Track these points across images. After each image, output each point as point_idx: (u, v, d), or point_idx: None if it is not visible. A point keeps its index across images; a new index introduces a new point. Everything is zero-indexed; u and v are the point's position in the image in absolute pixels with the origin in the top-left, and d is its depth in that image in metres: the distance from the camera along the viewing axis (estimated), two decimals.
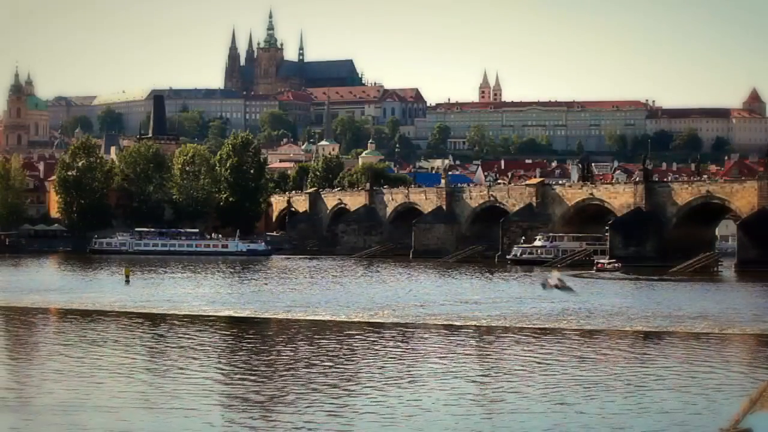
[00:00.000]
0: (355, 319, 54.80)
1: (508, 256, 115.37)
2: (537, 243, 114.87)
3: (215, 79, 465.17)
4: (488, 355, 42.89)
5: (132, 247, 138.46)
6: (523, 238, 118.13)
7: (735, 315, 56.31)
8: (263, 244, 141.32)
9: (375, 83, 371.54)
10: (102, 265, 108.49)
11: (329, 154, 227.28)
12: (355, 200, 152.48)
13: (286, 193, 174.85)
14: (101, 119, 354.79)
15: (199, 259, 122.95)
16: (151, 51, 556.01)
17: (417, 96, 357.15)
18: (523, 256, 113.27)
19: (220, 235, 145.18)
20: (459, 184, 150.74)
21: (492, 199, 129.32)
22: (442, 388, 33.87)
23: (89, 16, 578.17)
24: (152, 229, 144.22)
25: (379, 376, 36.44)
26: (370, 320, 54.54)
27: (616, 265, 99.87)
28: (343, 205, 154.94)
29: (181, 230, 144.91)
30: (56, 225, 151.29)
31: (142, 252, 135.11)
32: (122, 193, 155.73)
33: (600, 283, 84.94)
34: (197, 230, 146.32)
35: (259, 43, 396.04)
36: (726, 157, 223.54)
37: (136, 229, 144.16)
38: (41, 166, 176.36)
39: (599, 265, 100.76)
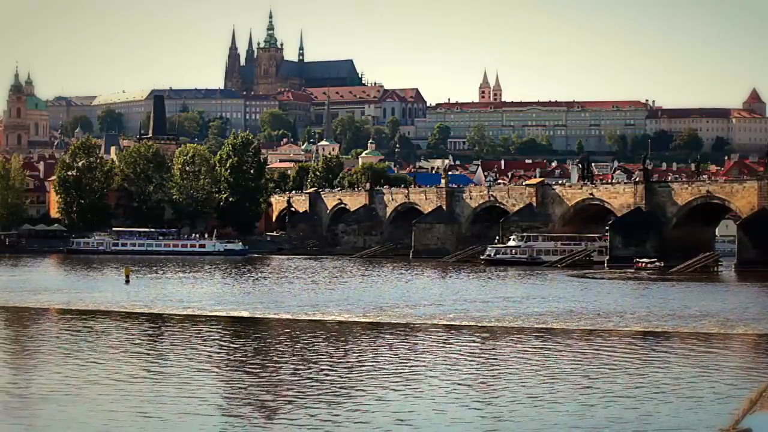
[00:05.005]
0: (355, 320, 54.84)
1: (481, 257, 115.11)
2: (511, 243, 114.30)
3: (215, 79, 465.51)
4: (489, 355, 42.86)
5: (109, 247, 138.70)
6: (497, 238, 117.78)
7: (735, 315, 56.36)
8: (240, 243, 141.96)
9: (375, 83, 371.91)
10: (100, 265, 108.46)
11: (329, 154, 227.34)
12: (355, 200, 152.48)
13: (286, 193, 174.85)
14: (101, 119, 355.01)
15: (177, 259, 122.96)
16: (151, 51, 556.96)
17: (417, 96, 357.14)
18: (497, 256, 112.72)
19: (195, 235, 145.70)
20: (459, 185, 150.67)
21: (492, 199, 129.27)
22: (443, 387, 33.86)
23: (89, 16, 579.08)
24: (129, 229, 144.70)
25: (380, 376, 36.43)
26: (370, 320, 54.59)
27: (657, 264, 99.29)
28: (343, 205, 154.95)
29: (159, 230, 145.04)
30: (56, 225, 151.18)
31: (120, 252, 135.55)
32: (122, 193, 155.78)
33: (600, 284, 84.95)
34: (174, 230, 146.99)
35: (259, 43, 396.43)
36: (726, 157, 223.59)
37: (114, 228, 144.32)
38: (41, 166, 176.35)
39: (638, 264, 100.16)
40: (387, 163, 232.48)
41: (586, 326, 51.68)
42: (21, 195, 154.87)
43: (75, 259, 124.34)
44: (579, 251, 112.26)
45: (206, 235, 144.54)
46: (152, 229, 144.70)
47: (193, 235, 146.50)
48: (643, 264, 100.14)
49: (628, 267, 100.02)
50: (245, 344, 45.31)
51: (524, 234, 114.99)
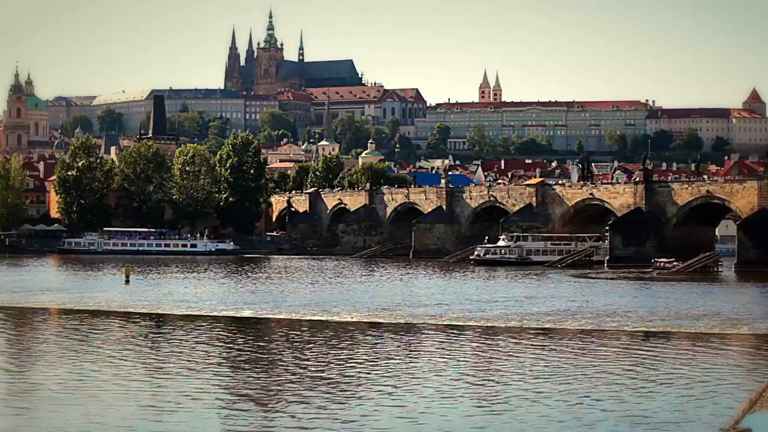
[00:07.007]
0: (355, 319, 54.88)
1: (471, 257, 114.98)
2: (501, 243, 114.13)
3: (215, 79, 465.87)
4: (490, 355, 42.89)
5: (101, 247, 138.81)
6: (487, 238, 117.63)
7: (735, 315, 56.39)
8: (232, 243, 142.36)
9: (375, 83, 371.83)
10: (96, 265, 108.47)
11: (329, 154, 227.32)
12: (355, 200, 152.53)
13: (286, 193, 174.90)
14: (101, 119, 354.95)
15: (169, 259, 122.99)
16: (151, 51, 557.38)
17: (417, 96, 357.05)
18: (486, 256, 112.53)
19: (187, 235, 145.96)
20: (459, 185, 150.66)
21: (492, 199, 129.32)
22: (445, 387, 33.90)
23: (89, 16, 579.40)
24: (121, 229, 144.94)
25: (381, 375, 36.48)
26: (371, 320, 54.62)
27: (675, 263, 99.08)
28: (343, 205, 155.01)
29: (150, 230, 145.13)
30: (56, 225, 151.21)
31: (111, 252, 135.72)
32: (122, 193, 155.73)
33: (600, 284, 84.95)
34: (165, 230, 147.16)
35: (259, 43, 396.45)
36: (726, 157, 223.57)
37: (105, 228, 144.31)
38: (41, 166, 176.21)
39: (658, 264, 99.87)
40: (387, 163, 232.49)
41: (586, 326, 51.71)
42: (21, 195, 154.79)
43: (74, 259, 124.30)
44: (579, 251, 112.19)
45: (198, 235, 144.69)
46: (143, 229, 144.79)
47: (185, 234, 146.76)
48: (662, 264, 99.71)
49: (645, 267, 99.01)
50: (248, 344, 45.32)
51: (514, 234, 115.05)
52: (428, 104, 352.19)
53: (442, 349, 43.96)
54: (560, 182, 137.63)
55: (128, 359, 40.06)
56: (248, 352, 42.48)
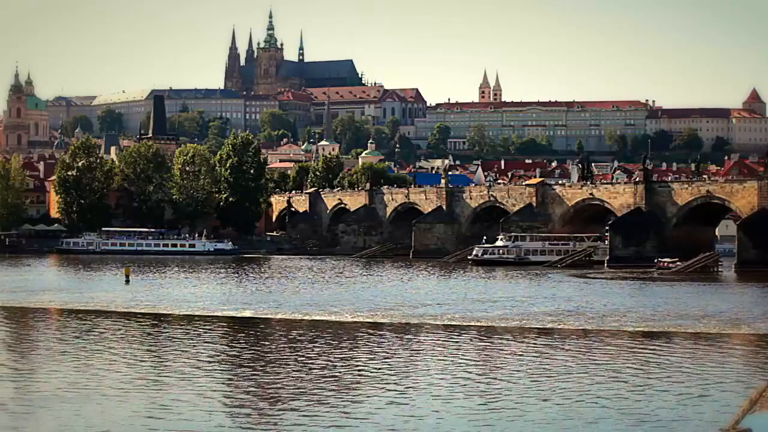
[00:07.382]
0: (356, 320, 54.90)
1: (469, 257, 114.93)
2: (499, 243, 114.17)
3: (215, 79, 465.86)
4: (490, 355, 42.91)
5: (99, 247, 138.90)
6: (485, 238, 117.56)
7: (735, 315, 56.40)
8: (230, 243, 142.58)
9: (375, 83, 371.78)
10: (95, 265, 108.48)
11: (329, 154, 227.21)
12: (355, 200, 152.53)
13: (286, 193, 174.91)
14: (101, 119, 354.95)
15: (167, 259, 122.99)
16: (151, 51, 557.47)
17: (417, 96, 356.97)
18: (485, 256, 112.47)
19: (185, 235, 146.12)
20: (459, 185, 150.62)
21: (492, 199, 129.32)
22: (445, 387, 33.94)
23: (89, 16, 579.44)
24: (119, 229, 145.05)
25: (381, 375, 36.49)
26: (371, 320, 54.64)
27: (678, 263, 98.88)
28: (343, 205, 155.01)
29: (149, 230, 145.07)
30: (56, 225, 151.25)
31: (109, 252, 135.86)
32: (122, 193, 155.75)
33: (600, 284, 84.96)
34: (164, 230, 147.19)
35: (259, 43, 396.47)
36: (726, 157, 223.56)
37: (103, 228, 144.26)
38: (41, 166, 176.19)
39: (661, 264, 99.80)
40: (387, 163, 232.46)
41: (587, 326, 51.74)
42: (21, 195, 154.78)
43: (73, 259, 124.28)
44: (577, 251, 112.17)
45: (197, 235, 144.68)
46: (142, 229, 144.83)
47: (184, 235, 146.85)
48: (665, 263, 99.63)
49: (645, 267, 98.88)
50: (248, 344, 45.37)
51: (512, 234, 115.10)
52: (428, 104, 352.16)
53: (443, 348, 43.98)
54: (560, 182, 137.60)
55: (129, 359, 40.09)
56: (248, 352, 42.49)
